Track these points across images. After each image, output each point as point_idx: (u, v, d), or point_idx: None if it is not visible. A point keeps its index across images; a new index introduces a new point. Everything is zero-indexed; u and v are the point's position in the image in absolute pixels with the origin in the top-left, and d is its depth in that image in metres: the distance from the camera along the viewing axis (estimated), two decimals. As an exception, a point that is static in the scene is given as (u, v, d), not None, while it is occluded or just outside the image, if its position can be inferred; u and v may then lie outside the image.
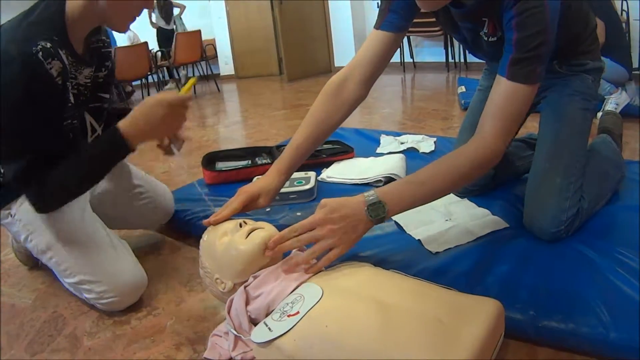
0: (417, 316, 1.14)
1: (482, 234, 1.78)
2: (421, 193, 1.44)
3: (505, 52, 1.42)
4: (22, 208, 1.74)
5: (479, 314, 1.14)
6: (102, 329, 1.74)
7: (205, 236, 1.60)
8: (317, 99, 1.85)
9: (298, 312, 1.21)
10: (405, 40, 6.90)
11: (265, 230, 1.48)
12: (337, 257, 1.37)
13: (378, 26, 1.77)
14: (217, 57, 8.99)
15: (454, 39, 6.24)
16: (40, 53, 1.42)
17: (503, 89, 1.44)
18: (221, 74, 8.89)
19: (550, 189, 1.71)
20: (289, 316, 1.22)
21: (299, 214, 2.11)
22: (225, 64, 8.96)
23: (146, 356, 1.54)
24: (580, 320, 1.29)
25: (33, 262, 2.28)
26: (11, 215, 1.77)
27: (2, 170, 1.69)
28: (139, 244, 2.17)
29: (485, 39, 1.64)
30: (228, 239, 1.49)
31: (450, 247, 1.72)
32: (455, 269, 1.59)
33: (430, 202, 1.48)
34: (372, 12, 7.32)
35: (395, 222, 1.92)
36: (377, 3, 7.28)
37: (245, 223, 1.53)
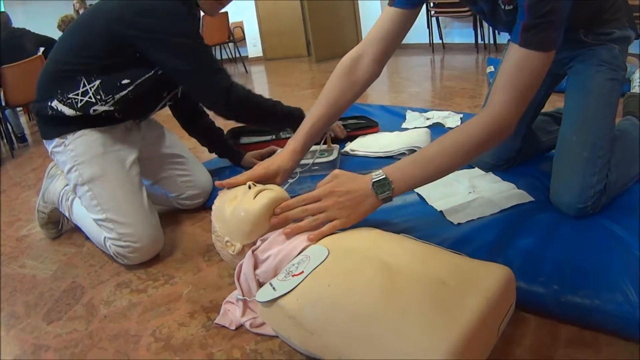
0: (422, 278, 1.12)
1: (506, 206, 1.73)
2: (429, 170, 1.42)
3: (518, 19, 1.35)
4: (77, 140, 1.92)
5: (486, 279, 1.11)
6: (119, 297, 1.77)
7: (216, 201, 1.62)
8: (330, 78, 1.82)
9: (302, 272, 1.21)
10: (434, 21, 6.83)
11: (273, 191, 1.48)
12: (337, 228, 1.37)
13: (392, 3, 1.72)
14: (245, 39, 8.98)
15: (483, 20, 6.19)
16: (186, 5, 1.88)
17: (515, 56, 1.36)
18: (249, 56, 8.89)
19: (577, 163, 1.65)
20: (293, 276, 1.22)
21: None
22: (254, 46, 8.96)
23: (160, 323, 1.57)
24: (606, 297, 1.22)
25: (57, 231, 2.39)
26: (65, 144, 1.93)
27: (77, 105, 1.89)
28: (160, 214, 2.17)
29: (503, 7, 1.59)
30: (237, 202, 1.50)
31: (473, 218, 1.68)
32: (476, 241, 1.54)
33: (439, 178, 1.45)
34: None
35: (417, 194, 1.90)
36: (405, -17, 7.25)
37: (254, 185, 1.52)
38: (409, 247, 1.27)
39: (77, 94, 1.88)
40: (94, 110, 1.89)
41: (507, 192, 1.83)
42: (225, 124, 2.42)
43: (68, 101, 1.88)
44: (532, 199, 1.78)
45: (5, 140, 5.40)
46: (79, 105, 1.88)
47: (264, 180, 1.64)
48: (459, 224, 1.67)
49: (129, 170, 1.96)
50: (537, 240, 1.51)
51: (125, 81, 1.88)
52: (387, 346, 1.00)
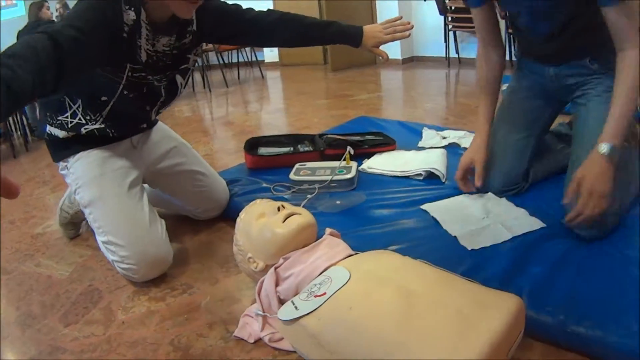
0: (439, 305, 1.17)
1: (519, 233, 1.77)
2: (627, 116, 1.63)
3: None
4: (77, 163, 1.93)
5: (499, 308, 1.16)
6: (137, 304, 1.79)
7: (242, 214, 1.66)
8: (477, 73, 2.14)
9: (325, 293, 1.26)
10: (451, 35, 6.86)
11: (302, 217, 1.54)
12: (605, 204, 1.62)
13: (469, 5, 2.02)
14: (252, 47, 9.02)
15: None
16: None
17: (616, 16, 1.60)
18: (265, 61, 8.93)
19: None
20: (315, 296, 1.27)
21: (338, 202, 2.13)
22: (270, 51, 8.99)
23: (179, 332, 1.59)
24: (609, 329, 1.27)
25: (75, 232, 2.42)
26: (67, 168, 1.96)
27: (67, 125, 1.89)
28: (177, 223, 2.22)
29: None
30: (265, 221, 1.55)
31: (486, 246, 1.72)
32: (488, 267, 1.58)
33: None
34: (419, 6, 7.30)
35: (432, 217, 1.93)
36: (424, -2, 7.29)
37: (284, 207, 1.57)
38: (426, 273, 1.32)
39: (67, 116, 1.89)
40: (85, 129, 1.89)
41: (519, 219, 1.86)
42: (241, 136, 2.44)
43: (58, 123, 1.90)
44: (543, 225, 1.81)
45: (19, 133, 5.43)
46: (70, 126, 1.90)
47: (472, 161, 2.02)
48: (472, 249, 1.70)
49: (128, 190, 1.94)
50: (547, 268, 1.54)
51: (103, 98, 1.84)
52: None
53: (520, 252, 1.65)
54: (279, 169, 2.55)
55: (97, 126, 1.90)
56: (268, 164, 2.66)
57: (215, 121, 4.90)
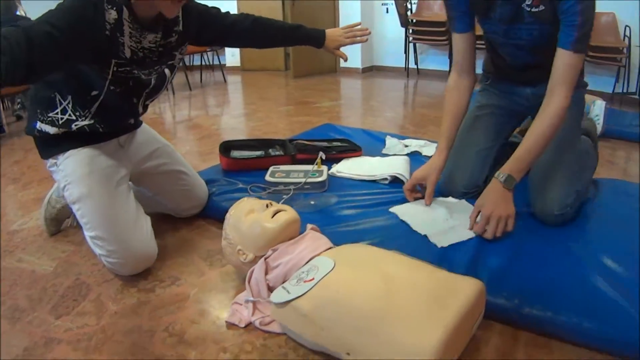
0: (413, 287, 1.37)
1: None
2: (531, 158, 1.89)
3: (568, 30, 1.76)
4: (67, 161, 1.99)
5: (464, 289, 1.37)
6: (127, 296, 1.88)
7: (231, 211, 1.81)
8: (446, 98, 2.23)
9: (313, 279, 1.43)
10: (411, 46, 7.05)
11: (288, 213, 1.72)
12: (513, 223, 1.89)
13: (454, 31, 2.13)
14: (223, 48, 9.06)
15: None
16: None
17: (567, 60, 1.80)
18: (227, 65, 8.98)
19: (557, 178, 2.01)
20: (304, 282, 1.44)
21: (312, 202, 2.30)
22: (232, 56, 9.02)
23: (172, 320, 1.70)
24: (559, 309, 1.48)
25: (57, 228, 2.48)
26: (57, 165, 2.02)
27: (58, 122, 1.95)
28: (158, 221, 2.31)
29: (528, 9, 1.90)
30: (254, 216, 1.72)
31: (453, 243, 1.90)
32: (453, 259, 1.77)
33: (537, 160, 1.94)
34: (381, 16, 7.47)
35: (403, 221, 2.10)
36: (387, 8, 7.45)
37: (272, 204, 1.74)
38: (401, 260, 1.52)
39: (57, 113, 1.95)
40: (76, 126, 1.96)
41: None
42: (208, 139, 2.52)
43: (49, 119, 1.96)
44: None
45: None
46: (60, 122, 1.96)
47: (424, 179, 2.20)
48: (441, 247, 1.88)
49: (116, 187, 2.02)
50: (504, 259, 1.77)
51: (93, 93, 1.90)
52: (387, 338, 1.26)
53: (481, 246, 1.86)
54: (252, 171, 2.69)
55: (86, 122, 1.97)
56: (242, 166, 2.78)
57: (181, 124, 4.97)
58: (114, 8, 1.70)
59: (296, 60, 7.45)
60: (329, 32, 2.41)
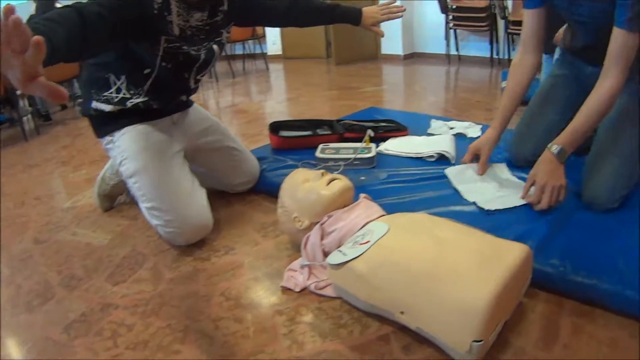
0: (464, 248, 1.41)
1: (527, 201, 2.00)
2: (582, 133, 1.88)
3: (621, 9, 1.72)
4: (123, 137, 2.08)
5: (512, 251, 1.40)
6: (183, 264, 1.95)
7: (288, 179, 1.89)
8: (509, 75, 2.23)
9: (368, 242, 1.49)
10: (452, 33, 7.03)
11: (342, 181, 1.79)
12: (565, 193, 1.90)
13: (524, 7, 2.12)
14: (265, 36, 9.12)
15: (496, 37, 6.38)
16: None
17: (621, 39, 1.76)
18: (268, 54, 9.03)
19: (610, 169, 1.97)
20: (360, 244, 1.49)
21: (362, 177, 2.35)
22: (273, 44, 9.06)
23: (228, 286, 1.77)
24: (603, 278, 1.50)
25: (110, 204, 2.59)
26: (113, 142, 2.11)
27: (113, 100, 2.05)
28: (211, 196, 2.31)
29: None
30: (310, 185, 1.78)
31: (500, 208, 1.95)
32: (502, 229, 1.77)
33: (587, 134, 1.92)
34: (421, 4, 7.45)
35: (453, 188, 2.17)
36: (428, -6, 7.44)
37: (326, 173, 1.82)
38: (452, 225, 1.56)
39: (111, 92, 2.05)
40: (131, 103, 2.05)
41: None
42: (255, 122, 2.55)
43: (104, 98, 2.05)
44: None
45: (31, 116, 5.58)
46: (115, 100, 2.05)
47: (479, 150, 2.26)
48: (488, 211, 1.94)
49: (171, 159, 2.10)
50: (550, 227, 1.79)
51: (146, 71, 1.99)
52: (440, 295, 1.30)
53: (527, 216, 1.89)
54: (301, 150, 2.74)
55: (140, 99, 2.06)
56: (292, 144, 2.85)
57: (226, 109, 5.03)
58: None
59: (338, 47, 7.46)
60: (365, 9, 2.46)
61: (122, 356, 1.49)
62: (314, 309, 1.59)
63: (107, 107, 2.06)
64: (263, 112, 4.71)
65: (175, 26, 1.90)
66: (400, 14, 2.45)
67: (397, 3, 2.45)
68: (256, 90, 6.11)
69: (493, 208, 1.94)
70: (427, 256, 1.38)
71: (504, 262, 1.33)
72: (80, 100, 2.05)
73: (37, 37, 0.85)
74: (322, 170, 1.84)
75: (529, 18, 2.12)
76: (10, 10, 0.83)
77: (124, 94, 2.04)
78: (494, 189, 2.13)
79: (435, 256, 1.37)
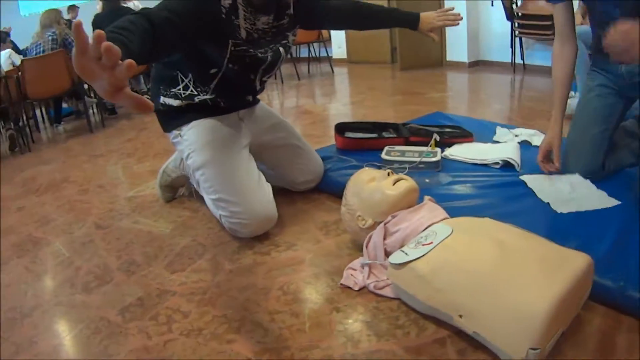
0: (527, 253, 1.39)
1: (599, 207, 1.98)
2: None
3: None
4: (190, 131, 2.15)
5: (575, 260, 1.37)
6: (243, 256, 1.98)
7: (353, 178, 1.90)
8: (553, 67, 2.31)
9: (431, 242, 1.48)
10: (517, 41, 6.94)
11: (408, 182, 1.78)
12: None
13: (552, 1, 2.20)
14: (330, 39, 9.17)
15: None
16: None
17: None
18: (333, 57, 9.08)
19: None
20: (423, 245, 1.49)
21: (427, 180, 2.35)
22: (339, 48, 9.10)
23: (287, 280, 1.78)
24: None
25: (172, 195, 2.67)
26: (181, 135, 2.18)
27: (181, 96, 2.12)
28: (274, 194, 2.31)
29: None
30: (375, 184, 1.78)
31: (572, 211, 1.94)
32: (568, 235, 1.74)
33: None
34: (487, 11, 7.38)
35: (530, 188, 2.18)
36: (492, 2, 7.33)
37: (392, 173, 1.82)
38: (516, 231, 1.54)
39: (179, 89, 2.12)
40: (198, 99, 2.12)
41: (600, 196, 2.07)
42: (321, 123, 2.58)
43: (172, 94, 2.13)
44: (619, 202, 2.01)
45: (97, 109, 5.81)
46: (183, 96, 2.12)
47: (550, 145, 2.25)
48: (561, 212, 1.94)
49: (238, 154, 2.15)
50: (614, 242, 1.73)
51: (212, 70, 2.05)
52: (500, 299, 1.28)
53: (592, 228, 1.83)
54: (366, 151, 2.75)
55: (208, 96, 2.12)
56: (357, 145, 2.86)
57: (291, 110, 5.09)
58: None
59: (403, 53, 7.43)
60: (423, 15, 2.49)
61: (176, 341, 1.53)
62: (371, 308, 1.59)
63: (174, 102, 2.14)
64: (327, 114, 4.74)
65: (243, 29, 1.96)
66: (457, 22, 2.46)
67: (458, 10, 2.46)
68: (320, 93, 6.16)
69: (566, 210, 1.94)
70: (490, 259, 1.36)
71: (567, 270, 1.31)
72: (147, 96, 2.13)
73: (129, 61, 0.94)
74: (388, 170, 1.85)
75: (558, 12, 2.19)
76: (100, 37, 0.93)
77: (191, 91, 2.11)
78: (567, 191, 2.12)
79: (497, 260, 1.36)
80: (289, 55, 2.27)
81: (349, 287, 1.68)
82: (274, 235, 2.12)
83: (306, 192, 2.54)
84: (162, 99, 2.17)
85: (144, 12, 1.59)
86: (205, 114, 2.17)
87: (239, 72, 2.07)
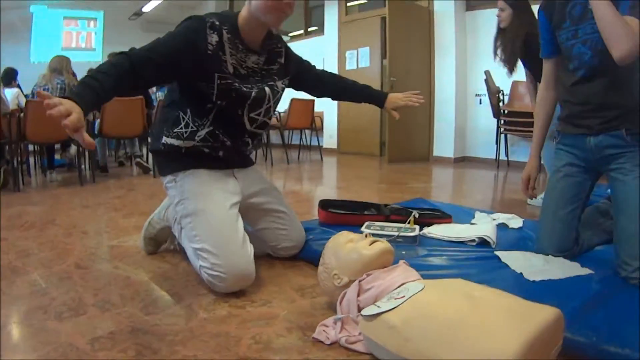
0: (495, 305, 1.45)
1: (571, 275, 2.08)
2: None
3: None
4: (186, 177, 2.23)
5: (543, 311, 1.42)
6: (218, 307, 2.00)
7: (331, 239, 1.97)
8: (536, 110, 2.63)
9: (404, 297, 1.54)
10: (502, 137, 7.11)
11: (383, 243, 1.86)
12: None
13: (543, 56, 2.50)
14: (322, 129, 9.35)
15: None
16: (209, 24, 2.07)
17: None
18: (324, 146, 9.23)
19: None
20: (395, 299, 1.55)
21: (403, 252, 2.43)
22: (330, 137, 9.31)
23: (259, 331, 1.80)
24: (636, 347, 1.49)
25: (154, 249, 2.72)
26: (176, 181, 2.25)
27: (183, 136, 2.22)
28: (254, 257, 2.32)
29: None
30: (353, 245, 1.86)
31: (544, 279, 2.02)
32: (540, 299, 1.81)
33: None
34: (474, 107, 7.62)
35: (503, 263, 2.27)
36: (480, 99, 7.61)
37: (369, 236, 1.90)
38: (486, 287, 1.60)
39: (181, 127, 2.21)
40: (199, 137, 2.21)
41: (573, 266, 2.17)
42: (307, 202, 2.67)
43: (174, 134, 2.22)
44: (592, 271, 2.11)
45: (90, 165, 5.94)
46: (185, 135, 2.21)
47: (528, 176, 2.63)
48: (534, 281, 2.01)
49: (229, 209, 2.20)
50: (585, 301, 1.82)
51: (209, 105, 2.18)
52: (470, 347, 1.32)
53: (568, 289, 1.93)
54: (347, 226, 2.76)
55: (206, 130, 2.22)
56: (339, 220, 2.96)
57: (280, 189, 5.09)
58: (215, 33, 2.08)
59: (391, 146, 7.66)
60: (390, 95, 2.82)
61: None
62: (342, 362, 1.61)
63: (176, 142, 2.22)
64: (313, 195, 4.85)
65: (230, 65, 2.12)
66: (417, 103, 2.76)
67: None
68: (308, 177, 6.29)
69: (538, 279, 2.02)
70: (459, 308, 1.43)
71: (534, 320, 1.36)
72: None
73: (66, 122, 1.59)
74: (366, 233, 1.93)
75: (547, 65, 2.51)
76: (43, 98, 1.61)
77: (192, 128, 2.20)
78: (540, 263, 2.21)
79: (467, 309, 1.42)
80: (276, 104, 2.40)
81: (320, 341, 1.71)
82: (250, 292, 2.15)
83: (286, 258, 2.59)
84: (165, 139, 2.24)
85: (129, 53, 1.93)
86: (203, 164, 2.25)
87: (228, 107, 2.19)
